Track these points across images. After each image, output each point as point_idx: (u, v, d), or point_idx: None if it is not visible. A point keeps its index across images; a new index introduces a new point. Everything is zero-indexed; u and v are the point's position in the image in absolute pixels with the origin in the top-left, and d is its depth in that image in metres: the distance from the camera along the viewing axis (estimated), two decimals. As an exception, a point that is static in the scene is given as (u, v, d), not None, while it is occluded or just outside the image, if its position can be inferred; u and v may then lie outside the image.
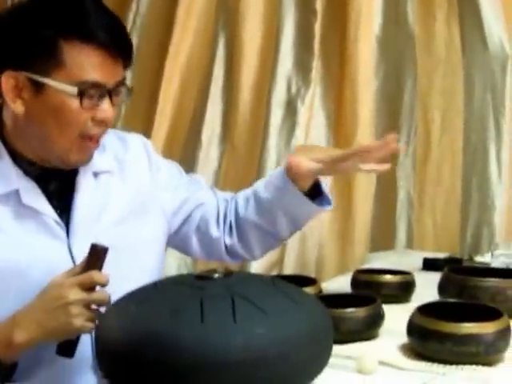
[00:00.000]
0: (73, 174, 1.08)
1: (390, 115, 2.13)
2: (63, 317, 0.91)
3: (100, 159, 1.12)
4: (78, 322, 0.91)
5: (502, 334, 0.98)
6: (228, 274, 0.87)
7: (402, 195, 2.08)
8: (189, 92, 2.31)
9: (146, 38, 2.42)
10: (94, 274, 0.92)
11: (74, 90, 0.96)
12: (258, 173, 2.11)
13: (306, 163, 1.13)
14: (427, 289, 1.33)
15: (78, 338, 0.95)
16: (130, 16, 2.41)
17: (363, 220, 2.07)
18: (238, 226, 1.25)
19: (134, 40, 2.39)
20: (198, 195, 1.27)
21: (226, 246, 1.27)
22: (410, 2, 2.10)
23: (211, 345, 0.75)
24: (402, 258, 1.87)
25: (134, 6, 2.42)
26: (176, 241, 1.27)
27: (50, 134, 0.99)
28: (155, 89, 2.29)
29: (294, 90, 2.13)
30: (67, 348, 0.95)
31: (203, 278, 0.87)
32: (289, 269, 2.10)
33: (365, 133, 2.10)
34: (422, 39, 2.10)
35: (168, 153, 2.25)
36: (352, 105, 2.11)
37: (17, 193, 1.01)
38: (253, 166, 2.14)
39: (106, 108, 0.99)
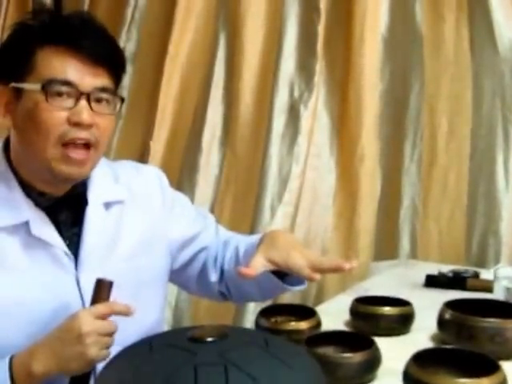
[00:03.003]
0: (83, 204, 1.09)
1: (396, 119, 2.08)
2: (78, 347, 0.93)
3: (112, 189, 1.14)
4: (94, 351, 0.93)
5: (498, 391, 0.95)
6: (221, 336, 0.86)
7: (406, 203, 2.04)
8: (189, 94, 2.27)
9: (145, 33, 2.37)
10: (109, 305, 0.96)
11: (38, 86, 0.98)
12: (260, 179, 2.08)
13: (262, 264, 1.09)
14: (428, 314, 1.31)
15: (89, 373, 0.96)
16: (129, 11, 2.36)
17: (367, 228, 2.04)
18: (224, 275, 1.27)
19: (134, 35, 2.35)
20: (204, 236, 1.29)
21: (218, 290, 1.29)
22: (419, 1, 2.03)
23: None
24: (406, 271, 1.85)
25: (132, 1, 2.37)
26: (177, 278, 1.30)
27: (33, 142, 1.00)
28: (155, 89, 2.25)
29: (296, 94, 2.08)
30: (79, 382, 0.97)
31: (197, 340, 0.85)
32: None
33: (369, 138, 2.06)
34: (430, 41, 2.03)
35: (169, 157, 2.23)
36: (356, 108, 2.06)
37: (27, 224, 1.02)
38: (254, 173, 2.11)
39: (80, 110, 0.99)
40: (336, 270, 1.09)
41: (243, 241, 1.27)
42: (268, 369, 0.81)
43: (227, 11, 2.22)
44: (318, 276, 1.08)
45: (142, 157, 2.21)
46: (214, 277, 1.27)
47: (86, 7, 2.37)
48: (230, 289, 1.28)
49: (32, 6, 2.54)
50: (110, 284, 0.97)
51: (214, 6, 2.25)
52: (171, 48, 2.22)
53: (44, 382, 0.96)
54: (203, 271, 1.28)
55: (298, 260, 1.08)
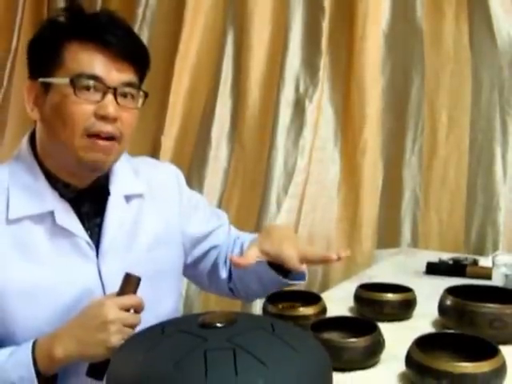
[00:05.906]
0: (105, 197, 1.13)
1: (397, 113, 2.12)
2: (102, 334, 0.96)
3: (132, 183, 1.18)
4: (116, 339, 0.96)
5: (497, 374, 0.98)
6: (230, 322, 0.89)
7: (407, 194, 2.09)
8: (198, 91, 2.32)
9: (156, 31, 2.41)
10: (134, 298, 0.99)
11: (66, 80, 1.01)
12: (266, 173, 2.13)
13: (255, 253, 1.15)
14: (429, 300, 1.36)
15: (108, 360, 0.96)
16: (140, 11, 2.40)
17: (370, 218, 2.09)
18: (231, 272, 1.33)
19: (145, 34, 2.39)
20: (217, 234, 1.33)
21: (228, 287, 1.35)
22: (419, -3, 2.08)
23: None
24: (407, 259, 1.91)
25: (143, 1, 2.41)
26: (190, 273, 1.35)
27: (60, 134, 1.03)
28: (166, 86, 2.29)
29: (302, 89, 2.13)
30: (97, 370, 0.99)
31: (206, 326, 0.88)
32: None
33: (372, 130, 2.11)
34: (430, 36, 2.06)
35: (179, 152, 2.28)
36: (359, 102, 2.11)
37: (52, 214, 1.06)
38: (261, 166, 2.16)
39: (106, 104, 1.02)
40: (324, 261, 1.15)
41: (248, 238, 1.33)
42: (275, 352, 0.83)
43: (235, 10, 2.27)
44: (303, 266, 1.14)
45: (154, 152, 2.26)
46: (224, 274, 1.32)
47: (98, 7, 2.41)
48: (237, 285, 1.32)
49: (47, 7, 2.59)
50: (138, 279, 1.00)
51: (221, 4, 2.30)
52: (181, 46, 2.26)
53: (64, 367, 1.00)
54: (214, 268, 1.33)
55: (289, 251, 1.13)
